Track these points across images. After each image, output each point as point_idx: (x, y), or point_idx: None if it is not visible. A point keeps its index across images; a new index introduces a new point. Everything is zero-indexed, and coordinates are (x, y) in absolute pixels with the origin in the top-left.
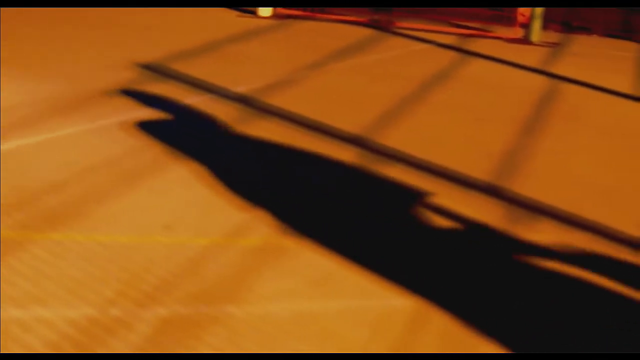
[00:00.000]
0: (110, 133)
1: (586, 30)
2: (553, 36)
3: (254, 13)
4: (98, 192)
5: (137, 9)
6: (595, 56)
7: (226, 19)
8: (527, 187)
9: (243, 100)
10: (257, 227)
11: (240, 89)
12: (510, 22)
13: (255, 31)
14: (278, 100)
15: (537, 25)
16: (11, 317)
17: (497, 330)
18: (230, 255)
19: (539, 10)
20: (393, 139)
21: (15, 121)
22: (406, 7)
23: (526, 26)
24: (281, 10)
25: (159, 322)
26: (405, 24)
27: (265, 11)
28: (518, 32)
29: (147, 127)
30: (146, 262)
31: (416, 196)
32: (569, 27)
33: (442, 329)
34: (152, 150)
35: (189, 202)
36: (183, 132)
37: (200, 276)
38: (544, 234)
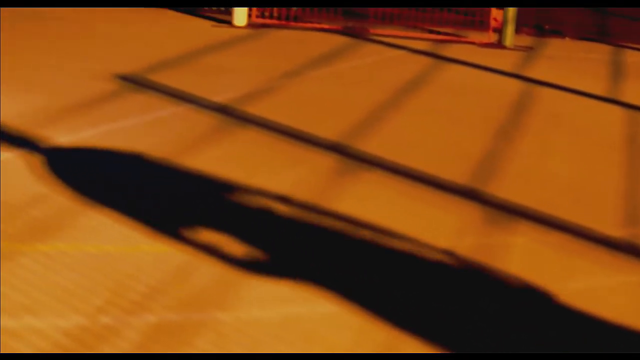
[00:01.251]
0: (92, 144)
1: (558, 33)
2: (526, 40)
3: (229, 23)
4: (81, 203)
5: (109, 20)
6: (568, 59)
7: (201, 29)
8: (504, 189)
9: (222, 110)
10: (240, 236)
11: (219, 98)
12: (483, 26)
13: (231, 41)
14: (256, 109)
15: (510, 29)
16: (3, 327)
17: (473, 336)
18: (215, 262)
19: (511, 15)
20: (371, 145)
21: None
22: (380, 16)
23: (499, 31)
24: (256, 20)
25: (149, 329)
26: (379, 30)
27: (240, 21)
28: (491, 37)
29: (129, 137)
30: (133, 270)
31: (395, 201)
32: (542, 31)
33: (424, 335)
34: (133, 160)
35: (173, 212)
36: (164, 141)
37: (187, 284)
38: (522, 235)
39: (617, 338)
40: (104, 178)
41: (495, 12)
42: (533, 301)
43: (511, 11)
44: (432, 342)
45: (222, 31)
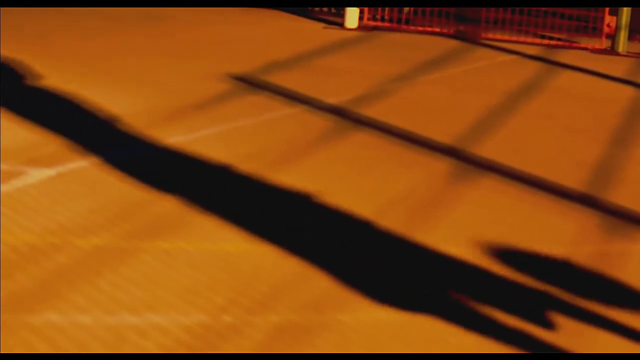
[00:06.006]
0: (210, 144)
1: None
2: (638, 47)
3: (340, 25)
4: (202, 202)
5: (221, 21)
6: None
7: (313, 30)
8: (621, 196)
9: (336, 112)
10: (358, 237)
11: (332, 100)
12: (596, 33)
13: (342, 43)
14: (370, 112)
15: (623, 35)
16: (127, 323)
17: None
18: (334, 263)
19: (625, 21)
20: (485, 149)
21: (116, 133)
22: (492, 20)
23: (612, 37)
24: (368, 23)
25: (271, 329)
26: (491, 35)
27: (351, 23)
28: (604, 43)
29: (245, 137)
30: (254, 270)
31: (513, 207)
32: None
33: (544, 339)
34: (251, 159)
35: (290, 214)
36: (281, 142)
37: (308, 284)
38: None
39: None
40: (223, 177)
41: (608, 19)
42: None
43: (625, 17)
44: (552, 349)
45: (333, 33)
